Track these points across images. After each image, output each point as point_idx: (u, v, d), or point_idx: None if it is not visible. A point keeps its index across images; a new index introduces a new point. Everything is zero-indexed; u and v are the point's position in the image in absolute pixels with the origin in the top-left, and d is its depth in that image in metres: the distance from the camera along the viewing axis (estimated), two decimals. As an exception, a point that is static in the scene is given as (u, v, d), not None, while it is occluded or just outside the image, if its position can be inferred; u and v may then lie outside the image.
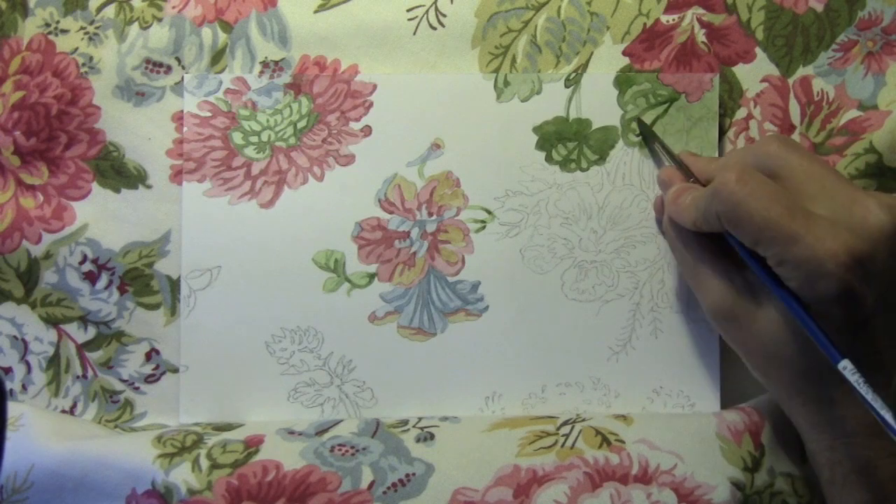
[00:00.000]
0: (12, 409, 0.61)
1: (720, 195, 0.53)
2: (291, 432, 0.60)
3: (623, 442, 0.58)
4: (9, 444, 0.56)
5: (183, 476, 0.57)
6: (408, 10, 0.66)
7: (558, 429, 0.60)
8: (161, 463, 0.57)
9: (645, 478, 0.57)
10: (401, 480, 0.57)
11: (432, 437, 0.59)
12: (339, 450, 0.58)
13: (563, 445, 0.58)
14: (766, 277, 0.53)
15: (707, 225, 0.55)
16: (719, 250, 0.58)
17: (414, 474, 0.57)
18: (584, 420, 0.61)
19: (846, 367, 0.48)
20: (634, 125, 0.64)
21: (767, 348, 0.54)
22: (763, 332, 0.54)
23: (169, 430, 0.61)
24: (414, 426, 0.61)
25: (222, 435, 0.60)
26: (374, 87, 0.64)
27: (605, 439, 0.59)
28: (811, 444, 0.55)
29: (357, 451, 0.58)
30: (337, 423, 0.62)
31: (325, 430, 0.60)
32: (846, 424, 0.53)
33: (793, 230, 0.50)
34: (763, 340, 0.55)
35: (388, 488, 0.56)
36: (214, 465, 0.57)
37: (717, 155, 0.63)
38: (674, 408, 0.63)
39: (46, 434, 0.59)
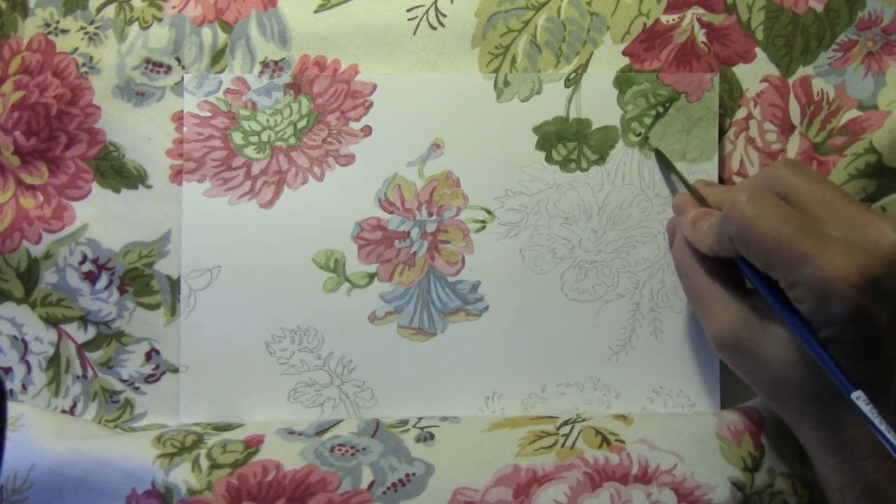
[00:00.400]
0: (12, 409, 0.61)
1: (732, 216, 0.52)
2: (291, 432, 0.60)
3: (623, 442, 0.58)
4: (9, 444, 0.57)
5: (183, 476, 0.56)
6: (408, 10, 0.66)
7: (558, 429, 0.60)
8: (161, 463, 0.57)
9: (645, 478, 0.56)
10: (401, 480, 0.57)
11: (432, 437, 0.59)
12: (339, 450, 0.58)
13: (563, 445, 0.58)
14: (776, 303, 0.53)
15: (722, 249, 0.55)
16: (727, 277, 0.58)
17: (414, 474, 0.57)
18: (583, 420, 0.61)
19: (859, 397, 0.48)
20: (635, 125, 0.64)
21: (776, 373, 0.54)
22: (770, 356, 0.54)
23: (169, 430, 0.61)
24: (414, 426, 0.61)
25: (222, 435, 0.60)
26: (374, 87, 0.64)
27: (604, 439, 0.59)
28: (821, 467, 0.55)
29: (357, 451, 0.58)
30: (337, 423, 0.62)
31: (325, 430, 0.60)
32: (857, 448, 0.52)
33: (804, 251, 0.50)
34: (771, 365, 0.54)
35: (388, 488, 0.56)
36: (214, 465, 0.57)
37: (716, 155, 0.63)
38: (674, 407, 0.63)
39: (46, 434, 0.59)
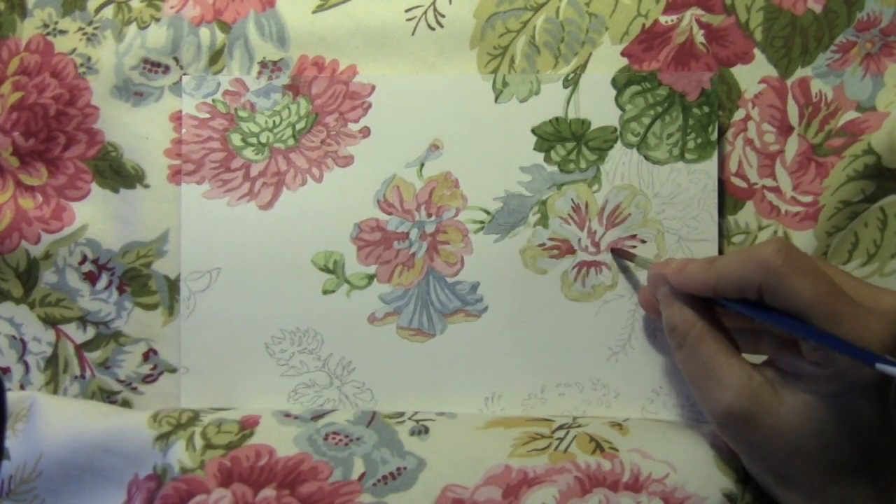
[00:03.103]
0: (22, 397, 0.61)
1: (766, 266, 0.51)
2: (287, 415, 0.60)
3: (616, 450, 0.58)
4: (20, 434, 0.57)
5: (177, 455, 0.57)
6: (406, 11, 0.66)
7: (553, 432, 0.60)
8: (160, 445, 0.57)
9: (635, 486, 0.56)
10: (391, 474, 0.57)
11: (426, 430, 0.59)
12: (333, 438, 0.58)
13: (556, 449, 0.58)
14: (786, 322, 0.51)
15: (730, 289, 0.53)
16: (734, 346, 0.56)
17: (405, 468, 0.57)
18: (579, 426, 0.60)
19: (886, 362, 0.46)
20: (634, 125, 0.64)
21: (791, 445, 0.52)
22: (785, 427, 0.52)
23: (165, 409, 0.61)
24: (410, 418, 0.61)
25: (218, 414, 0.60)
26: (373, 88, 0.64)
27: (598, 446, 0.58)
28: None
29: (351, 440, 0.58)
30: (333, 410, 0.62)
31: (321, 416, 0.60)
32: None
33: (838, 309, 0.49)
34: (787, 437, 0.52)
35: (379, 481, 0.56)
36: (208, 445, 0.57)
37: (716, 154, 0.63)
38: (674, 408, 0.63)
39: (54, 423, 0.59)
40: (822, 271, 0.51)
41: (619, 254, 0.64)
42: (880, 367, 0.46)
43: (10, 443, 0.58)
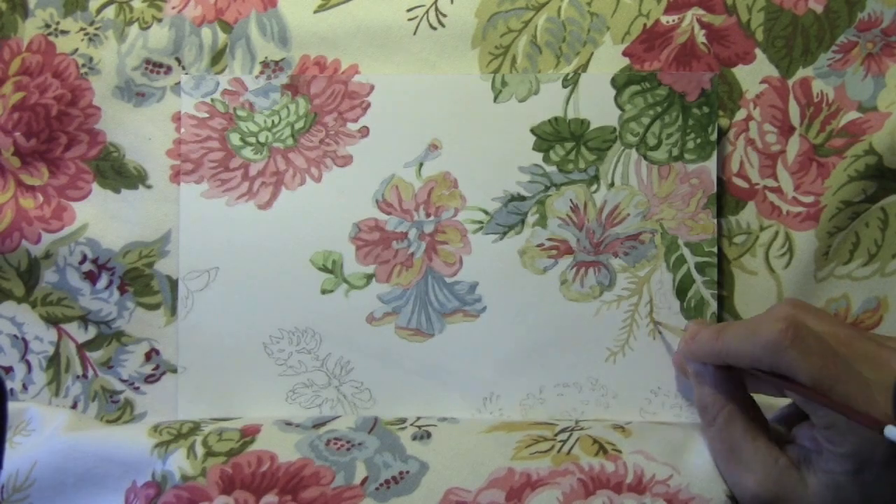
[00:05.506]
0: (20, 410, 0.61)
1: (772, 347, 0.51)
2: (289, 423, 0.60)
3: (620, 451, 0.58)
4: (19, 446, 0.57)
5: (178, 463, 0.57)
6: (408, 10, 0.66)
7: (556, 435, 0.60)
8: (159, 452, 0.57)
9: (639, 487, 0.56)
10: (394, 478, 0.56)
11: (429, 435, 0.59)
12: (335, 444, 0.58)
13: (559, 451, 0.58)
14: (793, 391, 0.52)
15: (738, 361, 0.54)
16: (763, 427, 0.56)
17: (408, 472, 0.57)
18: (582, 429, 0.60)
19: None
20: (633, 125, 0.64)
21: None
22: None
23: (165, 421, 0.61)
24: (412, 424, 0.61)
25: (219, 424, 0.60)
26: (372, 87, 0.64)
27: (601, 448, 0.58)
28: None
29: (352, 445, 0.58)
30: (335, 418, 0.62)
31: (323, 424, 0.60)
32: None
33: (844, 392, 0.49)
34: None
35: (381, 485, 0.56)
36: (210, 453, 0.57)
37: (715, 154, 0.63)
38: (672, 408, 0.63)
39: (50, 430, 0.59)
40: (830, 349, 0.51)
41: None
42: (888, 433, 0.46)
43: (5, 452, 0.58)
